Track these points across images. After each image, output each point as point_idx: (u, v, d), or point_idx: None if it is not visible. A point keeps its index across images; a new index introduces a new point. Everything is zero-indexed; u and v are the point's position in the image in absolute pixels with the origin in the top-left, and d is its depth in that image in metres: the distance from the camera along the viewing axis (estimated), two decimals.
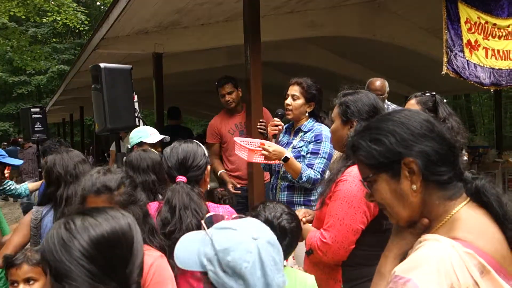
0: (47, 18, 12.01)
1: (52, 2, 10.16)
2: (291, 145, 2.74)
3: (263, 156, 2.44)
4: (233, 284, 0.96)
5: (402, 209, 1.03)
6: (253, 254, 0.98)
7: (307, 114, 2.73)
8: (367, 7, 5.26)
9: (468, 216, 0.97)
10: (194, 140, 1.92)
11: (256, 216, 1.79)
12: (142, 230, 1.55)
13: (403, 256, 1.03)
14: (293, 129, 2.83)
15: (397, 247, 1.11)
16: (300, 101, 2.70)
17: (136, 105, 3.03)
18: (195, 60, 6.27)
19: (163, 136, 2.98)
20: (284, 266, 1.42)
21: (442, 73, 3.65)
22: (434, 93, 2.63)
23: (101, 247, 0.96)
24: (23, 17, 12.06)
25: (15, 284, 1.69)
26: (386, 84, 3.88)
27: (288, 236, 1.70)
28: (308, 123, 2.74)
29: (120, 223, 1.02)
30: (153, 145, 2.87)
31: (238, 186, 3.56)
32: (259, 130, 3.12)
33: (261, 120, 3.17)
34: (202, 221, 1.15)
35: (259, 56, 3.27)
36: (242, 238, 1.00)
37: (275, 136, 2.82)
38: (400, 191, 1.01)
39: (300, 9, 4.90)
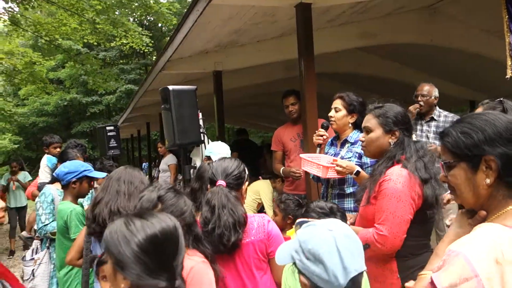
0: (115, 43, 13.00)
1: (120, 29, 10.97)
2: (339, 156, 2.83)
3: (336, 172, 2.57)
4: (315, 268, 1.17)
5: (471, 197, 1.16)
6: (329, 242, 1.18)
7: (350, 125, 2.86)
8: (422, 12, 5.19)
9: None
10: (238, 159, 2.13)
11: (307, 208, 2.14)
12: (187, 237, 1.70)
13: None
14: (339, 140, 2.95)
15: (455, 235, 1.24)
16: (342, 113, 2.86)
17: (201, 122, 3.28)
18: (253, 75, 6.48)
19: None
20: None
21: (507, 76, 3.54)
22: (502, 99, 2.60)
23: (154, 243, 1.19)
24: (95, 43, 13.14)
25: (104, 279, 1.97)
26: (435, 89, 4.00)
27: (337, 214, 2.04)
28: (353, 134, 2.85)
29: (169, 224, 1.25)
30: None
31: (300, 173, 3.63)
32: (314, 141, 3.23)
33: (316, 131, 3.28)
34: (294, 226, 1.40)
35: (313, 69, 3.40)
36: (319, 229, 1.22)
37: (319, 146, 2.96)
38: (473, 182, 1.14)
39: (353, 20, 4.96)
